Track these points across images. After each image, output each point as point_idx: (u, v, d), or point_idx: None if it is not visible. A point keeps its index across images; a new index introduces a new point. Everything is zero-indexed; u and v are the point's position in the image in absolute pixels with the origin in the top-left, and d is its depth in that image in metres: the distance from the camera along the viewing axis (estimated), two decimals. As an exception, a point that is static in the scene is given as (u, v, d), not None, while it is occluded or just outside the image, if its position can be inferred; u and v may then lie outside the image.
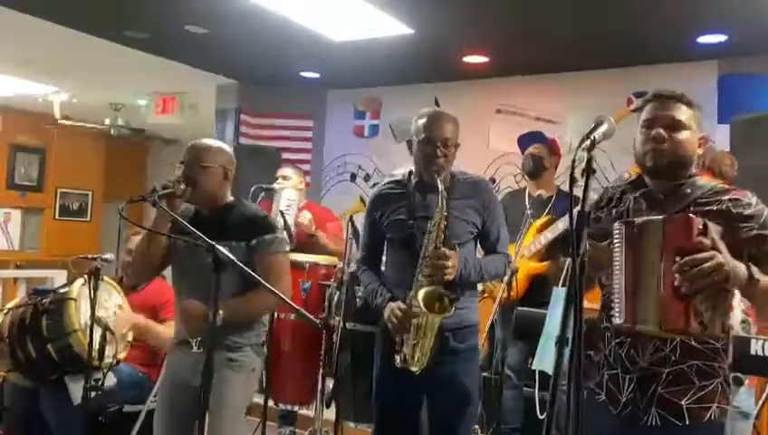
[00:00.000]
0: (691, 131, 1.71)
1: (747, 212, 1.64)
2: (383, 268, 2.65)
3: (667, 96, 1.74)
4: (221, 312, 2.25)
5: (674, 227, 1.55)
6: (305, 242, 3.90)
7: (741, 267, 1.54)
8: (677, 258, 1.51)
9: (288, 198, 3.80)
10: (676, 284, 1.51)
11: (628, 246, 1.60)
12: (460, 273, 2.36)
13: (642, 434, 1.71)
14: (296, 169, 4.29)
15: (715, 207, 1.66)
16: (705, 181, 1.76)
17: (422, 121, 2.44)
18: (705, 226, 1.54)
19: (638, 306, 1.57)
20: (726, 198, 1.67)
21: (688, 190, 1.71)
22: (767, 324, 2.47)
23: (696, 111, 1.74)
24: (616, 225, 1.64)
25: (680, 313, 1.51)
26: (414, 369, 2.34)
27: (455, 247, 2.37)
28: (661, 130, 1.69)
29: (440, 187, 2.33)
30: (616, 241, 1.62)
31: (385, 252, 2.64)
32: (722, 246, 1.53)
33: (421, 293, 2.29)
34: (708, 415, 1.66)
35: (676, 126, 1.69)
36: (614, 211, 1.82)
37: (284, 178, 4.06)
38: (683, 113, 1.71)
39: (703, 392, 1.67)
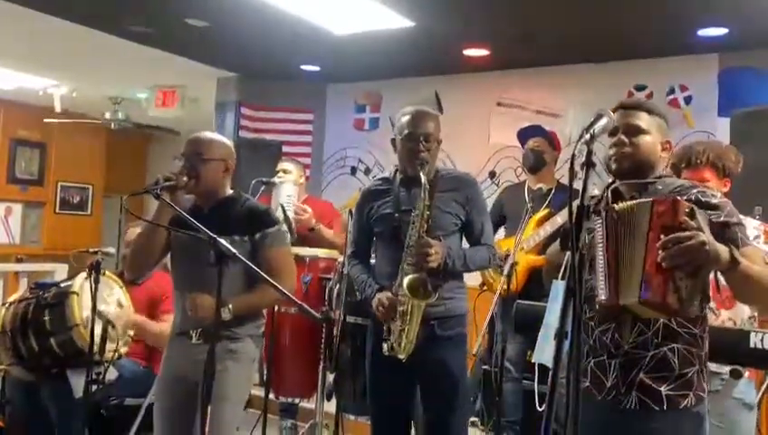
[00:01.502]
0: (651, 136, 1.85)
1: (713, 202, 1.76)
2: (373, 262, 2.72)
3: (628, 106, 1.90)
4: (230, 306, 2.27)
5: (662, 208, 1.64)
6: (306, 236, 3.90)
7: (724, 250, 1.63)
8: (662, 236, 1.60)
9: (287, 193, 3.80)
10: (658, 259, 1.59)
11: (609, 230, 1.70)
12: (444, 261, 2.44)
13: (622, 418, 1.78)
14: (296, 163, 4.28)
15: (684, 198, 1.74)
16: (673, 179, 1.89)
17: (405, 119, 2.54)
18: (692, 210, 1.62)
19: (620, 282, 1.67)
20: (694, 190, 1.79)
21: (660, 187, 1.83)
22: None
23: (657, 117, 1.89)
24: (595, 218, 1.73)
25: (659, 286, 1.59)
26: (401, 356, 2.41)
27: (439, 239, 2.46)
28: (622, 137, 1.83)
29: (423, 178, 2.43)
30: (598, 230, 1.72)
31: (374, 246, 2.72)
32: (706, 229, 1.63)
33: (405, 280, 2.38)
34: (685, 402, 1.74)
35: (636, 132, 1.84)
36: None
37: (285, 172, 4.06)
38: (642, 120, 1.86)
39: (682, 380, 1.75)
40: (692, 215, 1.61)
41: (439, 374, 2.49)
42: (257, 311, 2.53)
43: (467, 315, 2.65)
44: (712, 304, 2.33)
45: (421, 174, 2.43)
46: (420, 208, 2.43)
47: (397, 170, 2.63)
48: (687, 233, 1.58)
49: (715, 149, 2.44)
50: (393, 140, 2.60)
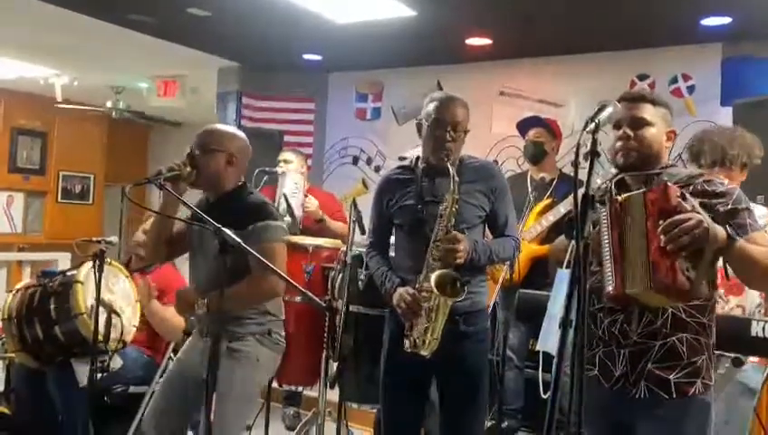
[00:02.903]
0: (656, 128, 1.85)
1: (719, 190, 1.78)
2: (392, 253, 2.64)
3: (630, 97, 1.89)
4: (205, 300, 2.26)
5: (654, 196, 1.66)
6: (312, 227, 3.92)
7: (720, 228, 1.65)
8: (660, 221, 1.61)
9: (294, 181, 3.81)
10: (662, 244, 1.61)
11: (613, 222, 1.71)
12: (470, 256, 2.37)
13: (631, 407, 1.80)
14: (298, 152, 4.29)
15: (690, 188, 1.77)
16: (679, 169, 1.90)
17: (433, 105, 2.43)
18: (683, 194, 1.65)
19: (626, 272, 1.68)
20: (700, 180, 1.81)
21: (665, 178, 1.82)
22: None
23: (661, 108, 1.88)
24: (601, 209, 1.74)
25: (668, 268, 1.61)
26: (424, 353, 2.33)
27: (463, 232, 2.38)
28: (627, 130, 1.84)
29: (452, 171, 2.33)
30: (603, 222, 1.73)
31: (393, 237, 2.63)
32: (700, 209, 1.65)
33: (433, 276, 2.29)
34: (693, 390, 1.77)
35: (641, 124, 1.84)
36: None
37: (285, 161, 4.06)
38: (647, 112, 1.85)
39: (690, 368, 1.77)
40: (683, 198, 1.64)
41: (461, 371, 2.42)
42: (239, 306, 2.40)
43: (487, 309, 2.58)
44: (720, 291, 2.35)
45: (450, 166, 2.33)
46: (449, 202, 2.33)
47: (418, 158, 2.53)
48: (684, 215, 1.60)
49: (746, 148, 2.46)
50: (419, 125, 2.49)
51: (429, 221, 2.39)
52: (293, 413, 4.11)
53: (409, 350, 2.35)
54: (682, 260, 1.61)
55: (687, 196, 1.66)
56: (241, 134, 2.58)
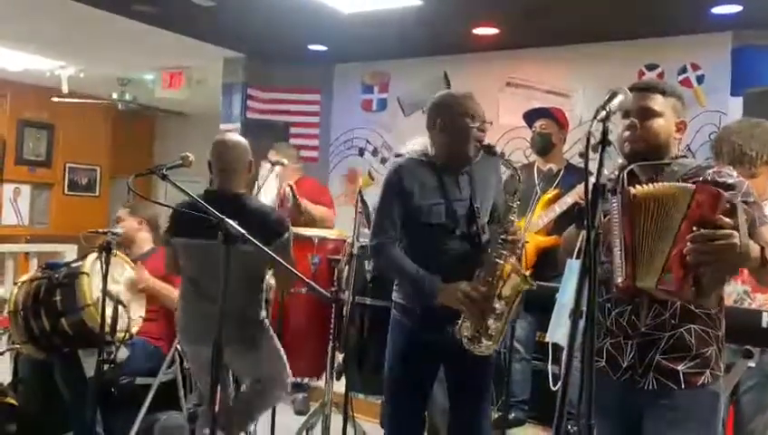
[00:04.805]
0: (664, 118, 1.83)
1: (730, 181, 1.74)
2: (405, 250, 2.47)
3: (641, 87, 1.87)
4: None
5: (703, 198, 1.59)
6: (296, 219, 3.92)
7: (755, 249, 1.61)
8: (695, 228, 1.57)
9: (271, 187, 3.85)
10: (684, 250, 1.57)
11: (626, 213, 1.68)
12: None
13: (639, 398, 1.79)
14: (279, 151, 4.28)
15: (700, 179, 1.74)
16: (690, 160, 1.88)
17: (463, 101, 2.40)
18: (732, 206, 1.58)
19: (637, 265, 1.66)
20: (710, 171, 1.78)
21: (676, 168, 1.81)
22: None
23: (672, 98, 1.86)
24: (613, 198, 1.72)
25: (679, 278, 1.58)
26: (488, 351, 2.30)
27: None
28: (634, 120, 1.82)
29: (516, 172, 2.38)
30: (614, 213, 1.70)
31: (407, 235, 2.45)
32: (743, 227, 1.58)
33: (509, 266, 2.29)
34: (702, 380, 1.75)
35: (648, 114, 1.82)
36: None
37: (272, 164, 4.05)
38: (656, 102, 1.83)
39: (699, 359, 1.75)
40: (732, 211, 1.57)
41: (467, 358, 2.35)
42: None
43: None
44: (747, 288, 2.32)
45: (502, 165, 2.37)
46: (515, 198, 2.35)
47: (426, 154, 2.43)
48: (721, 232, 1.55)
49: (766, 146, 2.41)
50: (441, 121, 2.38)
51: (461, 220, 2.37)
52: (302, 398, 4.12)
53: (471, 348, 2.30)
54: (701, 272, 1.57)
55: (738, 207, 1.58)
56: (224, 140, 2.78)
